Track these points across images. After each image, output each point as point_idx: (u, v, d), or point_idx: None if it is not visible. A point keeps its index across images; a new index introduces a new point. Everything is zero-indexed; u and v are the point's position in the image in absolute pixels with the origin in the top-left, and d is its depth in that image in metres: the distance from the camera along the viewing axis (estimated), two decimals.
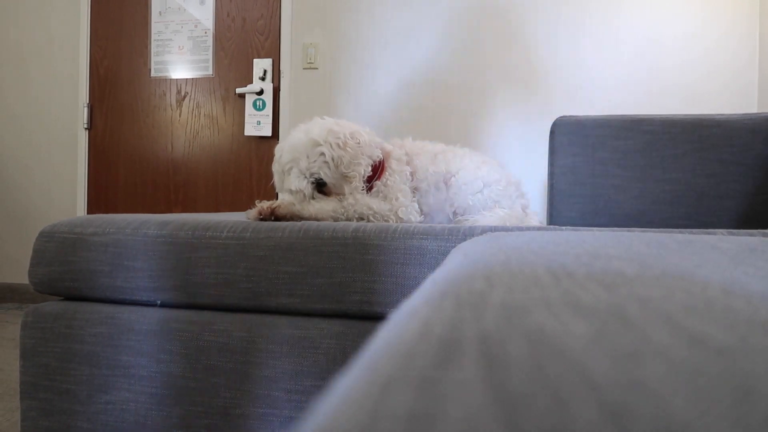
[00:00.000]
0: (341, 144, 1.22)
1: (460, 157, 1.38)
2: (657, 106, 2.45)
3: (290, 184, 1.22)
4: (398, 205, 1.26)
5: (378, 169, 1.31)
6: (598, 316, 0.20)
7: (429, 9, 2.71)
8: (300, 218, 1.10)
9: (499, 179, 1.35)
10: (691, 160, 1.63)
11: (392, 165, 1.33)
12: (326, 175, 1.20)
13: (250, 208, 1.12)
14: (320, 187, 1.22)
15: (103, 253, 0.99)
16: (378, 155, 1.31)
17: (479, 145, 2.53)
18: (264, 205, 1.10)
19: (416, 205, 1.31)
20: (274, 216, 1.08)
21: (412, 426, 0.12)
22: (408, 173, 1.34)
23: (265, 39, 2.90)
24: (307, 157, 1.20)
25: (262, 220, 1.06)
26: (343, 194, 1.22)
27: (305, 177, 1.21)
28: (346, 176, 1.22)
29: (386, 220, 1.23)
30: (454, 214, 1.33)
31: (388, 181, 1.30)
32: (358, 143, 1.25)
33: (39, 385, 1.00)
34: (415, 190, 1.34)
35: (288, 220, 1.07)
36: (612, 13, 2.56)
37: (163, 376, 0.94)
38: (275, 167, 1.30)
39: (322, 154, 1.20)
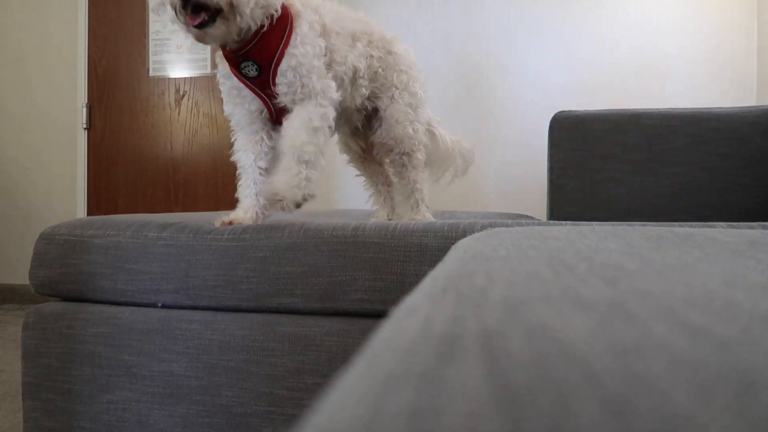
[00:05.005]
0: None
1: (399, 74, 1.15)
2: (656, 100, 2.45)
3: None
4: (314, 107, 0.98)
5: (279, 30, 0.98)
6: (599, 311, 0.20)
7: (426, 6, 2.71)
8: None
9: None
10: (690, 153, 1.63)
11: (303, 28, 0.99)
12: None
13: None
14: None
15: (104, 256, 0.99)
16: (276, 6, 0.97)
17: (478, 141, 2.53)
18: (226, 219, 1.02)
19: (333, 84, 1.01)
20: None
21: (413, 422, 0.12)
22: (321, 46, 1.01)
23: None
24: None
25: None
26: (235, 26, 0.92)
27: None
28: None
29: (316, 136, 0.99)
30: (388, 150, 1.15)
31: (300, 48, 0.97)
32: None
33: (41, 386, 1.00)
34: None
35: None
36: (611, 7, 2.55)
37: (165, 375, 0.94)
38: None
39: None
